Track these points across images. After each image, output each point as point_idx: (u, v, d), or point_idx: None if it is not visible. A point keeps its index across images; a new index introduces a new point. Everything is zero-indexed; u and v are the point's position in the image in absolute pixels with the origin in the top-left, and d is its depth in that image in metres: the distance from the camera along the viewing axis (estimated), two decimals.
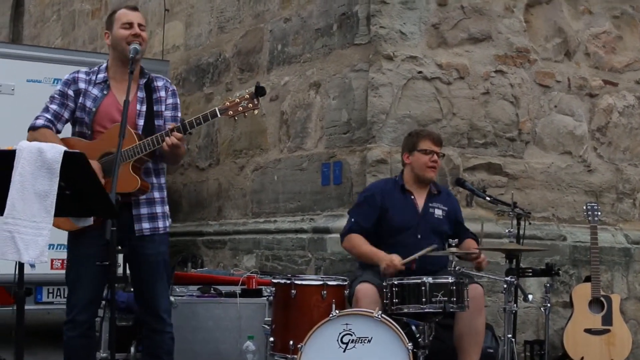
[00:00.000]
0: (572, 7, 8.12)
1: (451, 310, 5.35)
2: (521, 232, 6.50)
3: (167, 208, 5.25)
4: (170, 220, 5.30)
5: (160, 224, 5.15)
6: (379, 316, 5.01)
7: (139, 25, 5.10)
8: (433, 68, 7.40)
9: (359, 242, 5.95)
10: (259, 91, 4.86)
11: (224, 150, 9.27)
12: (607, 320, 7.12)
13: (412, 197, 6.07)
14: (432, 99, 7.38)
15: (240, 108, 4.87)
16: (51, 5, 15.39)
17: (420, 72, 7.34)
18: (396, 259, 5.63)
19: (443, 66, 7.45)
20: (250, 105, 4.88)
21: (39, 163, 4.03)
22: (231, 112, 4.88)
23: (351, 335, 4.98)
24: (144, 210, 5.09)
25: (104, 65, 5.22)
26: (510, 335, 5.57)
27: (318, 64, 7.86)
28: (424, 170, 6.03)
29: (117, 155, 4.67)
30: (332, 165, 7.51)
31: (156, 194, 5.15)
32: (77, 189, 4.17)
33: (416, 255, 5.64)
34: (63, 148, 4.13)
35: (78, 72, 5.22)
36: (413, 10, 7.36)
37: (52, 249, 7.55)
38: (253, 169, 8.73)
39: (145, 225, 5.08)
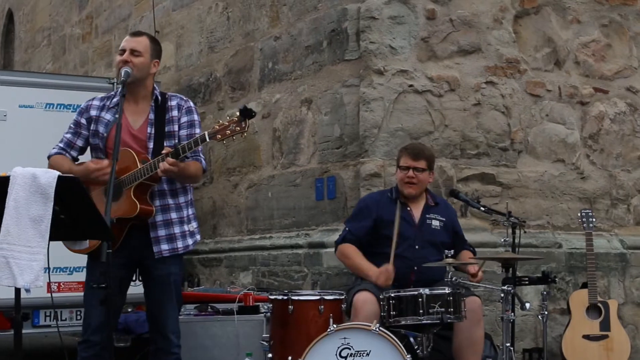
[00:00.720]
0: (560, 17, 8.16)
1: (449, 321, 5.35)
2: (516, 240, 6.52)
3: (189, 226, 5.26)
4: (197, 237, 5.33)
5: (180, 244, 5.18)
6: (377, 329, 5.02)
7: (132, 50, 5.16)
8: (424, 81, 7.44)
9: (352, 254, 5.99)
10: (246, 113, 4.87)
11: (217, 169, 9.29)
12: (605, 325, 7.13)
13: (409, 208, 6.10)
14: (423, 111, 7.41)
15: (229, 131, 4.90)
16: (41, 30, 15.43)
17: (411, 85, 7.37)
18: (384, 268, 5.69)
19: (434, 79, 7.48)
20: (238, 128, 4.89)
21: (33, 188, 4.05)
22: (219, 136, 4.91)
23: (349, 349, 4.99)
24: (161, 232, 5.13)
25: (120, 89, 5.28)
26: (508, 344, 5.57)
27: (309, 80, 7.89)
28: (402, 187, 6.09)
29: (111, 178, 4.70)
30: (325, 180, 7.53)
31: (174, 215, 5.18)
32: (71, 213, 4.19)
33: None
34: (57, 173, 4.15)
35: (93, 99, 5.35)
36: (402, 25, 7.40)
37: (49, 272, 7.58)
38: (247, 187, 8.75)
39: (164, 246, 5.12)
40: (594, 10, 8.35)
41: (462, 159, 7.54)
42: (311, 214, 7.73)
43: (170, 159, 4.87)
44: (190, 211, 5.30)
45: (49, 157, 5.25)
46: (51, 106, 7.91)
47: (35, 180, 4.06)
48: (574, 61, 8.22)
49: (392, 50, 7.33)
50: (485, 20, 7.72)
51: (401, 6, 7.39)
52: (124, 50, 5.17)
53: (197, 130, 5.24)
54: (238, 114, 4.90)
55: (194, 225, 5.30)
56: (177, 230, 5.17)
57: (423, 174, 6.11)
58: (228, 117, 4.95)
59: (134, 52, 5.16)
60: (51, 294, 4.97)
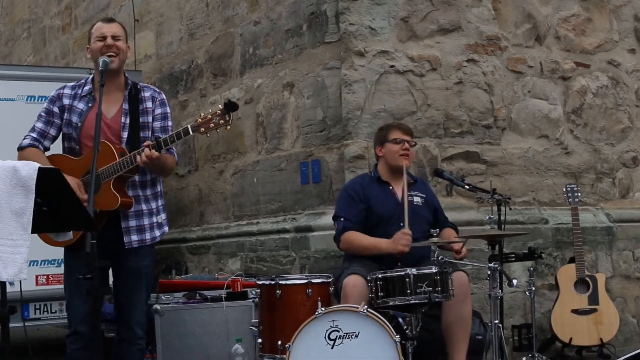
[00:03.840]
0: None
1: (436, 300, 5.36)
2: (502, 217, 6.53)
3: (158, 218, 5.25)
4: (165, 228, 5.32)
5: (148, 235, 5.17)
6: (365, 311, 5.02)
7: (114, 36, 5.11)
8: (405, 61, 7.43)
9: (358, 237, 5.95)
10: (230, 107, 4.88)
11: (202, 156, 9.28)
12: (594, 299, 7.16)
13: (390, 187, 6.11)
14: (405, 92, 7.40)
15: (212, 124, 4.90)
16: (21, 22, 15.34)
17: (392, 66, 7.36)
18: (399, 234, 5.70)
19: (415, 59, 7.47)
20: (222, 121, 4.90)
21: (14, 181, 4.03)
22: (203, 129, 4.91)
23: (338, 331, 4.99)
24: (132, 223, 5.11)
25: (90, 77, 5.26)
26: (497, 321, 5.58)
27: (290, 64, 7.87)
28: (397, 159, 6.06)
29: (93, 169, 4.68)
30: (310, 163, 7.53)
31: (144, 206, 5.16)
32: (54, 205, 4.17)
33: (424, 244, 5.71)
34: (37, 165, 4.13)
35: (64, 87, 5.26)
36: (381, 5, 7.38)
37: (37, 265, 7.59)
38: (232, 173, 8.73)
39: (134, 237, 5.11)
40: None
41: (445, 138, 7.55)
42: (297, 198, 7.72)
43: (155, 152, 4.86)
44: (160, 203, 5.29)
45: (21, 148, 5.17)
46: (33, 99, 7.88)
47: (15, 172, 4.04)
48: (555, 36, 8.23)
49: (372, 31, 7.32)
50: None
51: None
52: (104, 37, 5.11)
53: (170, 123, 5.25)
54: (221, 107, 4.89)
55: (162, 216, 5.29)
56: (146, 221, 5.16)
57: (413, 148, 6.21)
58: (211, 110, 4.94)
59: (115, 38, 5.12)
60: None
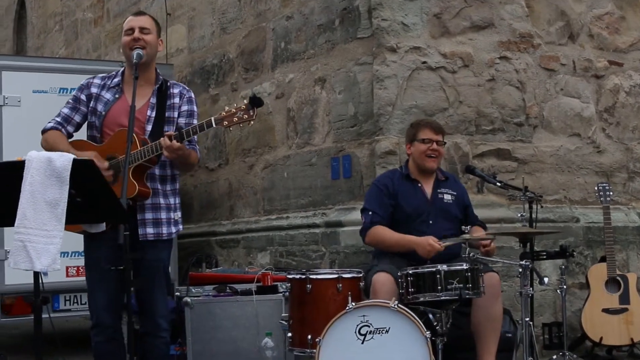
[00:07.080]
0: None
1: (467, 297, 5.33)
2: (534, 215, 6.50)
3: (176, 214, 5.25)
4: (180, 227, 5.31)
5: (164, 229, 5.15)
6: (396, 306, 5.01)
7: (142, 29, 5.14)
8: (437, 58, 7.40)
9: (386, 232, 5.91)
10: (255, 102, 4.84)
11: (232, 150, 9.30)
12: (625, 299, 7.11)
13: (420, 184, 6.09)
14: (437, 88, 7.38)
15: (236, 119, 4.86)
16: (53, 15, 15.44)
17: (424, 62, 7.34)
18: (432, 241, 5.64)
19: (447, 55, 7.45)
20: (246, 116, 4.86)
21: (49, 172, 4.07)
22: (226, 123, 4.88)
23: (369, 326, 4.98)
24: (148, 216, 5.10)
25: (121, 70, 5.30)
26: (527, 319, 5.55)
27: (322, 59, 7.87)
28: (424, 160, 6.04)
29: (126, 160, 4.71)
30: (341, 159, 7.53)
31: (161, 200, 5.16)
32: (87, 196, 4.20)
33: (454, 241, 5.66)
34: (72, 156, 4.16)
35: (94, 77, 5.32)
36: (414, 1, 7.36)
37: (67, 256, 7.63)
38: (263, 167, 8.75)
39: (150, 230, 5.10)
40: None
41: (477, 135, 7.52)
42: (327, 193, 7.72)
43: (175, 143, 4.85)
44: (177, 200, 5.29)
45: (44, 131, 5.20)
46: (65, 91, 7.92)
47: (50, 164, 4.07)
48: (588, 34, 8.18)
49: (404, 27, 7.30)
50: None
51: None
52: (132, 30, 5.15)
53: (195, 121, 5.21)
54: (246, 101, 4.87)
55: (178, 214, 5.28)
56: (163, 215, 5.15)
57: (442, 147, 6.16)
58: (235, 104, 4.93)
59: (143, 30, 5.15)
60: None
